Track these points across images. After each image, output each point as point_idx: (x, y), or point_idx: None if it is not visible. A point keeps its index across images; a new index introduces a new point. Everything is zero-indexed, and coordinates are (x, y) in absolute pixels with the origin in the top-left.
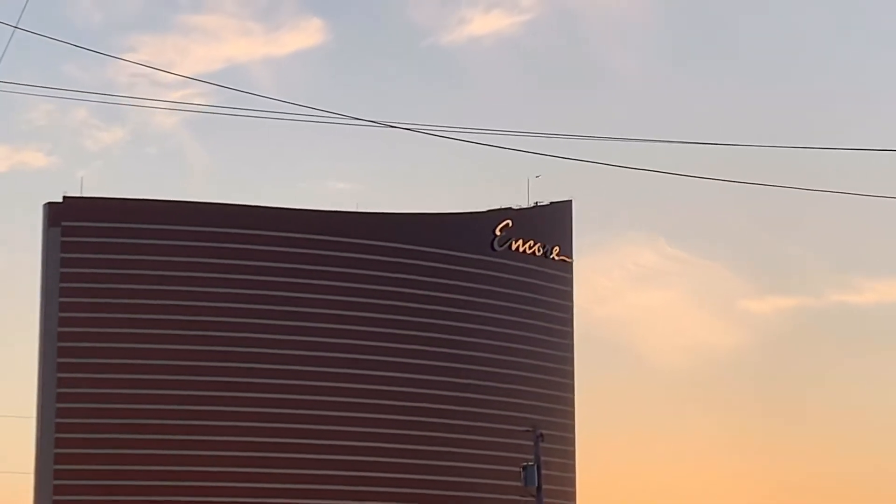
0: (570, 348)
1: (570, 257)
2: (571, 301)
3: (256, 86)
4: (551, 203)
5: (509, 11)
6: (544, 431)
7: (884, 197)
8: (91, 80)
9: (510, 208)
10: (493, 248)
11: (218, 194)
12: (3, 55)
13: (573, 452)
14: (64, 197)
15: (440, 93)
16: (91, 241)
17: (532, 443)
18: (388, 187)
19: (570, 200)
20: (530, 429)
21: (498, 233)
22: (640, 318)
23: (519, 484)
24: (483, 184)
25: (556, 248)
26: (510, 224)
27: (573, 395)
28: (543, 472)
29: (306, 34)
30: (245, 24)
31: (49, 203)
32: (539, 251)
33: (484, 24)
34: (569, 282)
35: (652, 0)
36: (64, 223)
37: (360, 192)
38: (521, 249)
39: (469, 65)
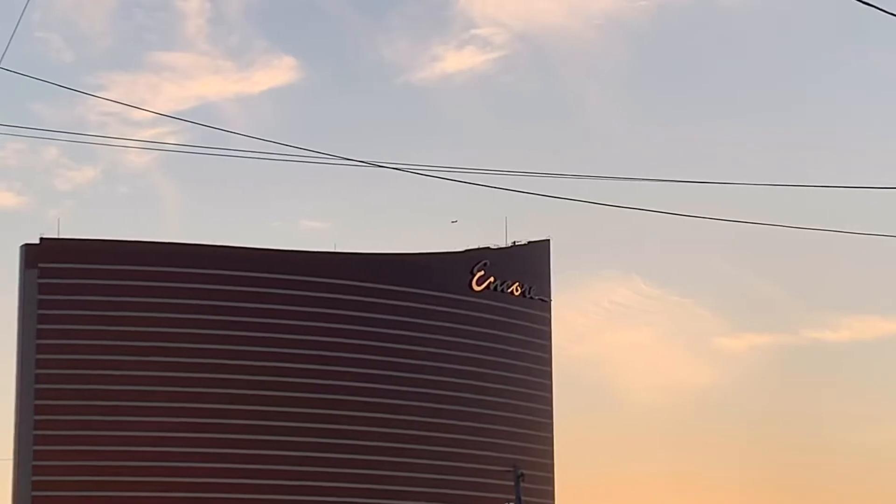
0: (549, 388)
1: (549, 297)
2: (550, 340)
3: (228, 124)
4: (529, 243)
5: (482, 49)
6: (524, 471)
7: (858, 234)
8: (62, 118)
9: (488, 248)
10: (471, 288)
11: (190, 233)
12: None
13: (553, 491)
14: (41, 238)
15: (413, 130)
16: (68, 283)
17: (512, 482)
18: (362, 226)
19: (548, 240)
20: (511, 468)
21: (476, 273)
22: (616, 357)
23: None
24: (461, 223)
25: (535, 287)
26: (488, 264)
27: (552, 434)
28: None
29: (278, 72)
30: (217, 62)
31: (26, 245)
32: (517, 291)
33: (457, 62)
34: (547, 321)
35: (625, 37)
36: (41, 264)
37: (334, 232)
38: (499, 289)
39: (442, 102)
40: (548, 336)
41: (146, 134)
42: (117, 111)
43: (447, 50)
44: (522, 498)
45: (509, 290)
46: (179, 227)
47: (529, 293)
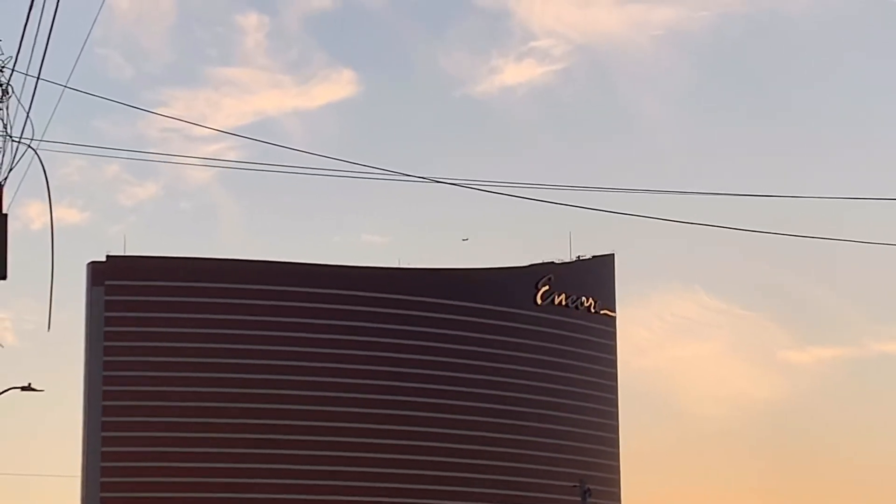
0: (614, 402)
1: (613, 311)
2: (615, 355)
3: (288, 138)
4: (594, 257)
5: (541, 61)
6: (591, 486)
7: None
8: (123, 134)
9: (552, 262)
10: (536, 303)
11: (252, 249)
12: (52, 114)
13: None
14: (107, 256)
15: (473, 143)
16: (134, 300)
17: (579, 498)
18: (425, 241)
19: (613, 254)
20: (577, 483)
21: (540, 287)
22: (681, 370)
23: None
24: (524, 238)
25: (599, 301)
26: (552, 278)
27: (618, 449)
28: None
29: (338, 86)
30: (276, 76)
31: (92, 262)
32: (582, 305)
33: (516, 74)
34: (612, 335)
35: (685, 48)
36: (107, 282)
37: (395, 246)
38: (563, 304)
39: (501, 115)
40: (613, 350)
41: (207, 150)
42: (178, 127)
43: (506, 62)
44: None
45: (574, 305)
46: (241, 243)
47: (594, 307)
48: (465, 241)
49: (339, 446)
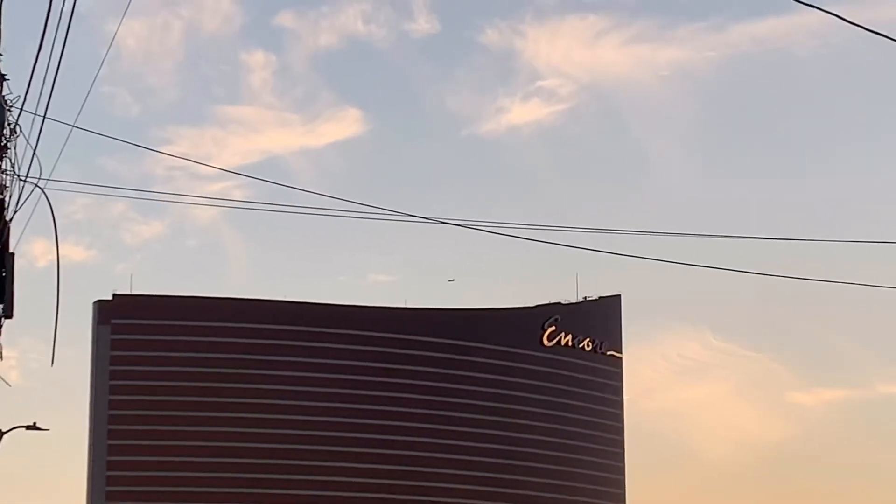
0: (620, 443)
1: (620, 352)
2: (621, 396)
3: (294, 177)
4: (600, 298)
5: (548, 100)
6: None
7: None
8: (129, 172)
9: (559, 303)
10: (542, 344)
11: (258, 288)
12: (60, 153)
13: None
14: (113, 295)
15: (479, 183)
16: (140, 339)
17: None
18: (430, 281)
19: (619, 295)
20: None
21: (547, 328)
22: (687, 412)
23: None
24: (531, 278)
25: (606, 342)
26: (559, 319)
27: (624, 490)
28: None
29: (344, 125)
30: (282, 115)
31: (99, 301)
32: (588, 346)
33: (522, 114)
34: (618, 376)
35: (692, 88)
36: (114, 320)
37: (402, 286)
38: (570, 344)
39: (508, 154)
40: (619, 391)
41: (213, 188)
42: (184, 165)
43: (513, 102)
44: None
45: (580, 346)
46: (247, 281)
47: (601, 348)
48: (452, 282)
49: (344, 486)
